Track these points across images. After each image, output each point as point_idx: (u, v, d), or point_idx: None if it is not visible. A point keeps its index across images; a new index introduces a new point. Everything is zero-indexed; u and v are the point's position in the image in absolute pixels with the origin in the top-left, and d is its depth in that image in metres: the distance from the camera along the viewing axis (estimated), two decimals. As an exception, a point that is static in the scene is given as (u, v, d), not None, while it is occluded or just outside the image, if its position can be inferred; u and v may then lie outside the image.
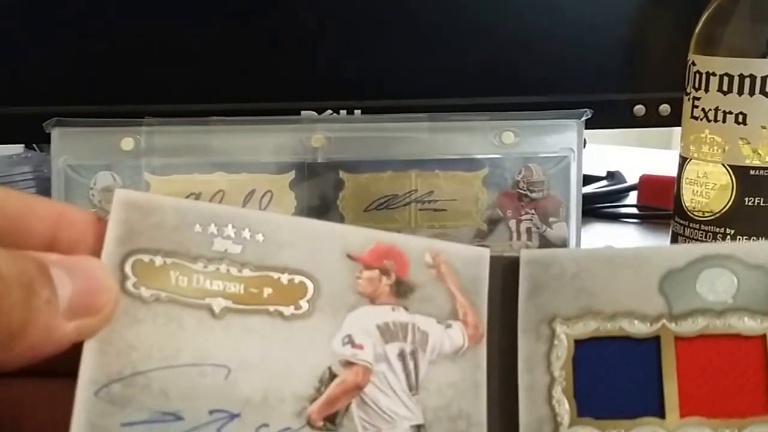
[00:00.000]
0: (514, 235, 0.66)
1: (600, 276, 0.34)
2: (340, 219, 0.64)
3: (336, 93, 0.79)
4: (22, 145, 0.98)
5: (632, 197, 1.04)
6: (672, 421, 0.32)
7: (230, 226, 0.33)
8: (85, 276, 0.29)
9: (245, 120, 0.66)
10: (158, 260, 0.32)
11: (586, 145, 0.71)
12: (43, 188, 0.86)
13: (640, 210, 1.00)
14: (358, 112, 0.78)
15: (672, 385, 0.33)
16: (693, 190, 0.67)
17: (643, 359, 0.33)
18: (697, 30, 0.67)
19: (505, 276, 0.35)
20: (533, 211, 0.66)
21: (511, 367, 0.34)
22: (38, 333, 0.27)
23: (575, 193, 0.66)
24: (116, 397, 0.30)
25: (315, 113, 0.77)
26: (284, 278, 0.33)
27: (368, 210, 0.65)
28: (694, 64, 0.66)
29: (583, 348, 0.34)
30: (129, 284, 0.31)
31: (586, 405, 0.33)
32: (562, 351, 0.34)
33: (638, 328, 0.33)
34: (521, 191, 0.66)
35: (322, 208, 0.65)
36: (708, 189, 0.66)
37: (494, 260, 0.35)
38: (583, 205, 0.67)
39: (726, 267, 0.33)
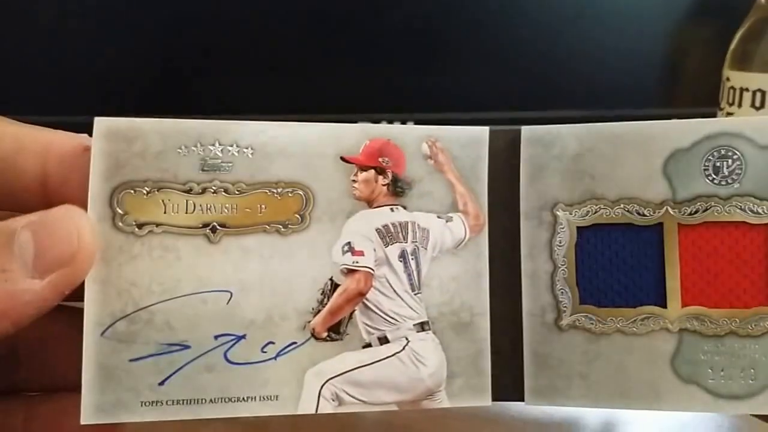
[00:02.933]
0: None
1: (603, 157, 0.34)
2: None
3: (390, 105, 0.79)
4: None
5: None
6: (674, 310, 0.33)
7: (217, 143, 0.32)
8: (50, 230, 0.29)
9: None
10: (146, 190, 0.31)
11: None
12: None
13: None
14: (411, 124, 0.75)
15: (674, 274, 0.33)
16: None
17: (645, 247, 0.34)
18: (732, 46, 0.66)
19: (505, 155, 0.35)
20: None
21: (514, 252, 0.34)
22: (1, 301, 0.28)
23: None
24: (122, 335, 0.31)
25: (370, 124, 0.75)
26: (278, 192, 0.32)
27: None
28: (728, 79, 0.65)
29: (586, 234, 0.34)
30: (120, 220, 0.31)
31: (588, 293, 0.34)
32: (565, 238, 0.34)
33: (641, 214, 0.33)
34: None
35: None
36: None
37: (494, 135, 0.35)
38: None
39: (733, 147, 0.33)
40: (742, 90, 0.64)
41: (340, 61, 0.80)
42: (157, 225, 0.31)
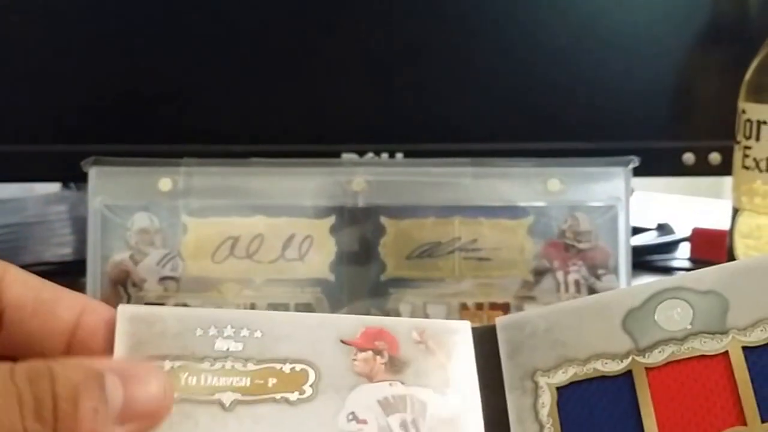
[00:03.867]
0: (562, 287, 0.65)
1: (569, 327, 0.38)
2: (382, 265, 0.64)
3: (377, 136, 0.80)
4: (59, 184, 0.98)
5: (683, 249, 1.02)
6: None
7: (229, 326, 0.36)
8: (138, 382, 0.32)
9: (285, 162, 0.67)
10: (167, 365, 0.35)
11: (633, 194, 0.71)
12: (79, 228, 0.87)
13: (692, 263, 0.99)
14: (399, 155, 0.79)
15: (649, 413, 0.36)
16: (746, 244, 0.67)
17: (620, 394, 0.37)
18: (747, 78, 0.67)
19: (486, 343, 0.39)
20: (581, 262, 0.65)
21: (504, 422, 0.37)
22: None
23: (624, 243, 0.66)
24: None
25: (356, 156, 0.78)
26: (286, 368, 0.36)
27: (411, 257, 0.65)
28: (744, 112, 0.66)
29: (565, 393, 0.37)
30: None
31: None
32: (547, 399, 0.37)
33: (611, 367, 0.37)
34: (568, 241, 0.66)
35: (363, 254, 0.65)
36: (762, 243, 0.66)
37: (474, 330, 0.39)
38: (633, 257, 0.67)
39: (679, 297, 0.37)
40: (759, 123, 0.63)
41: (329, 91, 0.79)
42: (177, 394, 0.34)
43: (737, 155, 0.67)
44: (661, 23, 0.80)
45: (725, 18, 0.80)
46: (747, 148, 0.65)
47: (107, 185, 0.65)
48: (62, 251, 0.89)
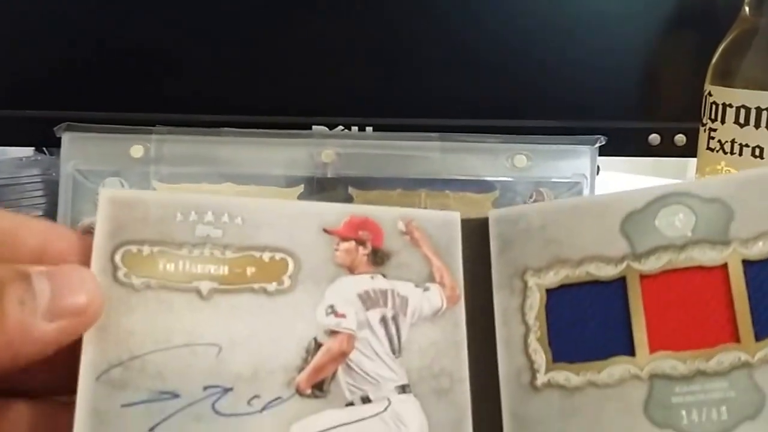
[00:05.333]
0: None
1: (565, 225, 0.36)
2: None
3: (348, 109, 0.78)
4: (32, 148, 0.97)
5: None
6: (642, 358, 0.34)
7: (210, 212, 0.35)
8: (66, 280, 0.31)
9: (256, 132, 0.67)
10: (146, 249, 0.34)
11: (599, 173, 0.71)
12: (51, 192, 0.86)
13: None
14: (369, 129, 0.77)
15: (640, 323, 0.35)
16: None
17: (611, 301, 0.35)
18: (713, 61, 0.67)
19: (476, 237, 0.37)
20: None
21: (488, 322, 0.36)
22: (12, 330, 0.29)
23: None
24: (116, 381, 0.32)
25: (326, 128, 0.76)
26: (266, 256, 0.35)
27: None
28: (710, 94, 0.66)
29: (555, 296, 0.36)
30: (120, 274, 0.33)
31: (560, 351, 0.35)
32: (535, 301, 0.36)
33: (604, 271, 0.35)
34: None
35: None
36: None
37: (465, 223, 0.37)
38: None
39: (683, 203, 0.35)
40: (725, 106, 0.63)
41: (300, 63, 0.78)
42: (154, 280, 0.33)
43: (702, 137, 0.67)
44: (631, 4, 0.80)
45: (693, 1, 0.81)
46: (712, 130, 0.65)
47: (80, 150, 0.65)
48: (33, 213, 0.87)
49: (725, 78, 0.65)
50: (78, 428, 0.31)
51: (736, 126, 0.62)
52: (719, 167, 0.64)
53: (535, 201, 0.65)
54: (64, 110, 0.75)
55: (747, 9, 0.64)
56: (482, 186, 0.66)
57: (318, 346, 0.34)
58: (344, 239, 0.36)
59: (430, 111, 0.78)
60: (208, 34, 0.78)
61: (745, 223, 0.34)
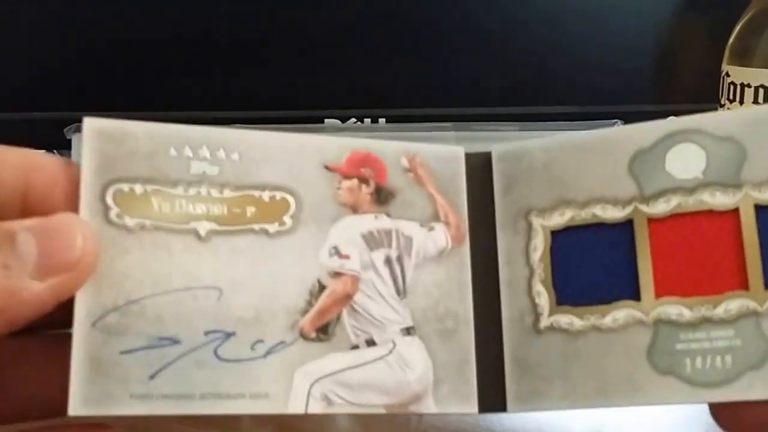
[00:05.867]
0: None
1: (570, 164, 0.35)
2: None
3: (360, 101, 0.77)
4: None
5: None
6: (648, 302, 0.34)
7: (205, 147, 0.33)
8: (54, 234, 0.29)
9: (267, 128, 0.66)
10: (138, 188, 0.32)
11: None
12: None
13: None
14: (382, 120, 0.76)
15: (646, 267, 0.34)
16: None
17: (617, 243, 0.34)
18: (730, 40, 0.66)
19: (481, 173, 0.36)
20: None
21: (492, 263, 0.35)
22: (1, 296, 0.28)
23: None
24: (113, 327, 0.30)
25: (339, 122, 0.76)
26: (266, 196, 0.33)
27: None
28: (728, 75, 0.65)
29: (560, 238, 0.35)
30: (113, 215, 0.31)
31: (564, 293, 0.35)
32: (539, 243, 0.35)
33: (611, 213, 0.34)
34: None
35: None
36: None
37: (468, 158, 0.36)
38: None
39: (694, 141, 0.34)
40: (743, 86, 0.63)
41: (310, 56, 0.78)
42: (149, 221, 0.32)
43: None
44: None
45: None
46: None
47: None
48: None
49: (743, 58, 0.64)
50: (75, 377, 0.30)
51: (755, 105, 0.61)
52: None
53: None
54: (74, 111, 0.72)
55: (763, -12, 0.64)
56: None
57: (322, 288, 0.33)
58: (346, 177, 0.34)
59: (443, 100, 0.78)
60: (216, 30, 0.77)
61: (758, 165, 0.33)
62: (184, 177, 0.32)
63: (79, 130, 0.61)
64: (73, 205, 0.31)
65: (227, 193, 0.32)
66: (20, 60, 0.76)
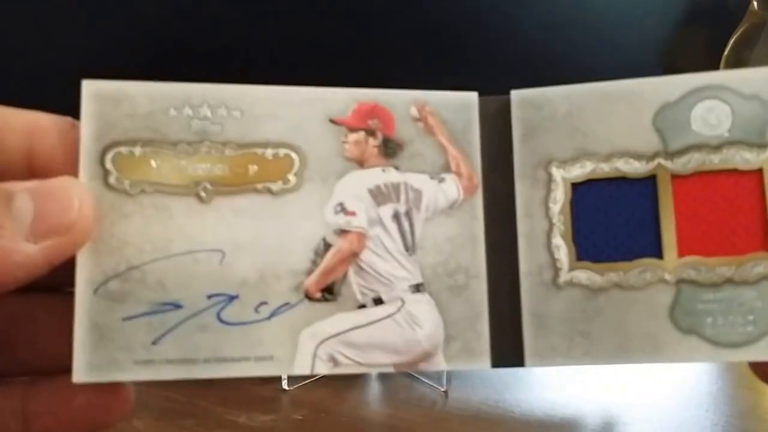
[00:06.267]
0: None
1: (593, 114, 0.33)
2: None
3: None
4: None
5: None
6: (670, 261, 0.32)
7: (205, 105, 0.32)
8: (50, 197, 0.29)
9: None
10: (137, 150, 0.31)
11: None
12: None
13: None
14: None
15: (669, 225, 0.32)
16: None
17: (640, 199, 0.33)
18: (725, 53, 0.66)
19: (496, 119, 0.34)
20: None
21: (509, 213, 0.34)
22: None
23: None
24: (115, 294, 0.30)
25: (357, 89, 0.74)
26: (269, 153, 0.32)
27: None
28: None
29: (581, 191, 0.33)
30: (112, 179, 0.31)
31: (584, 249, 0.33)
32: (560, 195, 0.33)
33: (634, 168, 0.33)
34: None
35: None
36: None
37: (484, 103, 0.34)
38: None
39: (720, 98, 0.32)
40: None
41: (334, 60, 0.77)
42: (149, 184, 0.31)
43: None
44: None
45: None
46: None
47: None
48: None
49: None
50: (78, 344, 0.30)
51: (783, 63, 0.60)
52: None
53: None
54: None
55: (755, 3, 0.65)
56: None
57: (327, 246, 0.32)
58: (353, 130, 0.33)
59: None
60: (243, 32, 0.76)
61: None
62: (184, 137, 0.31)
63: None
64: (75, 169, 0.31)
65: (229, 152, 0.31)
66: (39, 60, 0.75)
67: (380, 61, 0.78)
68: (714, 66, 0.68)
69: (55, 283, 0.31)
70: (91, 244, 0.30)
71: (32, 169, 0.31)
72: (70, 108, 0.31)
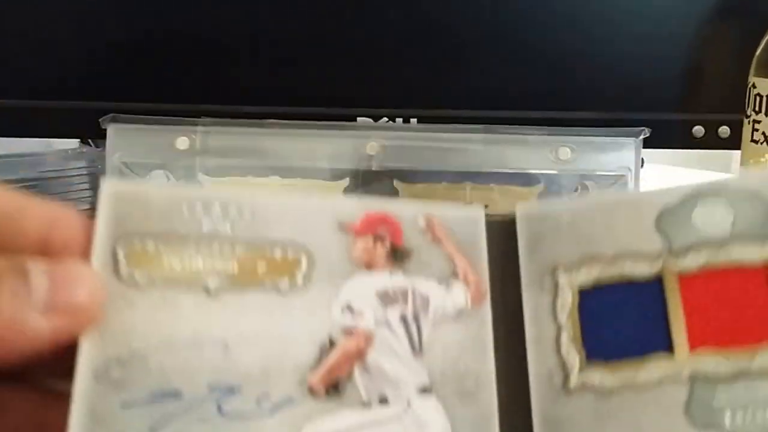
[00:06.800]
0: None
1: (597, 221, 0.34)
2: None
3: (392, 100, 0.78)
4: (78, 140, 0.96)
5: None
6: (682, 357, 0.32)
7: (217, 205, 0.32)
8: (64, 278, 0.29)
9: (301, 124, 0.65)
10: (150, 245, 0.31)
11: (644, 165, 0.68)
12: (97, 184, 0.88)
13: None
14: (414, 120, 0.76)
15: (679, 322, 0.32)
16: None
17: (648, 301, 0.33)
18: (758, 52, 0.66)
19: (502, 234, 0.35)
20: None
21: (517, 322, 0.34)
22: (4, 322, 0.27)
23: None
24: (115, 380, 0.30)
25: (371, 120, 0.76)
26: (277, 253, 0.32)
27: None
28: (754, 86, 0.65)
29: (588, 296, 0.33)
30: (122, 270, 0.31)
31: (594, 350, 0.33)
32: (567, 300, 0.33)
33: (640, 270, 0.33)
34: None
35: None
36: None
37: (490, 219, 0.35)
38: None
39: (720, 198, 0.33)
40: None
41: (346, 56, 0.77)
42: (159, 277, 0.31)
43: (746, 129, 0.68)
44: None
45: None
46: (756, 122, 0.65)
47: (125, 142, 0.64)
48: (80, 207, 0.87)
49: None
50: (74, 429, 0.29)
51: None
52: (763, 159, 0.63)
53: (580, 195, 0.63)
54: (110, 101, 0.74)
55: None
56: (527, 179, 0.65)
57: (333, 344, 0.32)
58: (362, 236, 0.33)
59: (475, 102, 0.77)
60: (253, 26, 0.78)
61: None
62: (195, 234, 0.32)
63: (114, 120, 0.63)
64: (88, 258, 0.31)
65: (238, 250, 0.32)
66: (57, 49, 0.78)
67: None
68: (746, 64, 0.67)
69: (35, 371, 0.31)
70: (97, 329, 0.30)
71: (46, 255, 0.31)
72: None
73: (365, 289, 0.33)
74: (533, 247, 0.34)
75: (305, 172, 0.63)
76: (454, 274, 0.34)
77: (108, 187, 0.32)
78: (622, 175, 0.63)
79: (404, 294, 0.33)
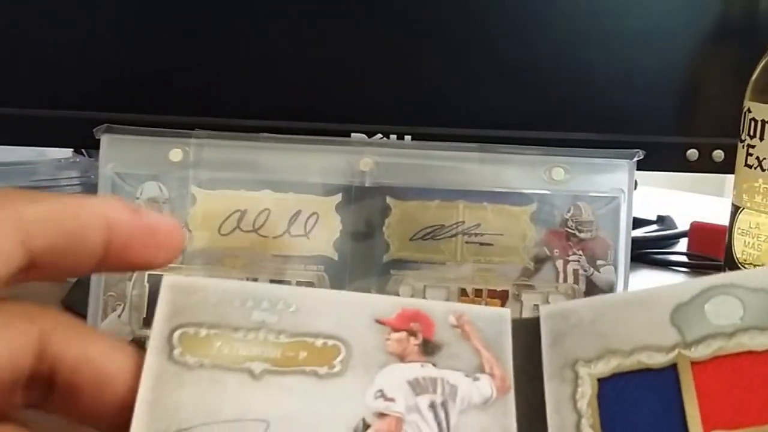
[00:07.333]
0: (561, 276, 0.62)
1: (615, 319, 0.36)
2: (386, 245, 0.62)
3: (387, 117, 0.79)
4: (71, 150, 0.98)
5: (683, 244, 1.01)
6: None
7: (266, 300, 0.36)
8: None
9: (295, 139, 0.65)
10: (202, 332, 0.35)
11: (637, 187, 0.68)
12: (89, 194, 0.87)
13: (690, 258, 0.98)
14: (408, 137, 0.77)
15: (693, 407, 0.34)
16: (745, 241, 0.66)
17: (663, 387, 0.35)
18: (753, 77, 0.67)
19: (526, 332, 0.37)
20: (581, 252, 0.62)
21: (540, 414, 0.36)
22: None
23: (624, 236, 0.63)
24: None
25: (365, 136, 0.77)
26: (318, 342, 0.35)
27: (414, 239, 0.63)
28: (749, 111, 0.66)
29: (606, 385, 0.35)
30: (176, 353, 0.34)
31: None
32: (586, 389, 0.35)
33: (656, 359, 0.35)
34: (569, 230, 0.63)
35: (368, 233, 0.63)
36: (760, 241, 0.65)
37: (515, 320, 0.38)
38: (632, 249, 0.64)
39: (729, 294, 0.35)
40: (764, 122, 0.62)
41: (341, 71, 0.78)
42: (209, 360, 0.34)
43: (740, 153, 0.68)
44: (671, 18, 0.78)
45: (734, 16, 0.80)
46: (750, 146, 0.65)
47: (118, 153, 0.63)
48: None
49: (765, 94, 0.65)
50: None
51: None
52: (756, 184, 0.64)
53: (572, 215, 0.63)
54: (104, 111, 0.74)
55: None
56: (520, 199, 0.64)
57: (366, 427, 0.34)
58: (396, 330, 0.36)
59: (469, 121, 0.78)
60: (248, 40, 0.80)
61: None
62: (244, 324, 0.35)
63: (108, 130, 0.62)
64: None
65: (283, 339, 0.35)
66: (52, 58, 0.78)
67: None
68: (741, 89, 0.67)
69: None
70: (147, 407, 0.32)
71: (107, 256, 0.33)
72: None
73: (398, 377, 0.35)
74: (555, 343, 0.36)
75: (298, 187, 0.62)
76: (481, 367, 0.36)
77: (168, 280, 0.35)
78: (615, 197, 0.63)
79: (434, 383, 0.35)
